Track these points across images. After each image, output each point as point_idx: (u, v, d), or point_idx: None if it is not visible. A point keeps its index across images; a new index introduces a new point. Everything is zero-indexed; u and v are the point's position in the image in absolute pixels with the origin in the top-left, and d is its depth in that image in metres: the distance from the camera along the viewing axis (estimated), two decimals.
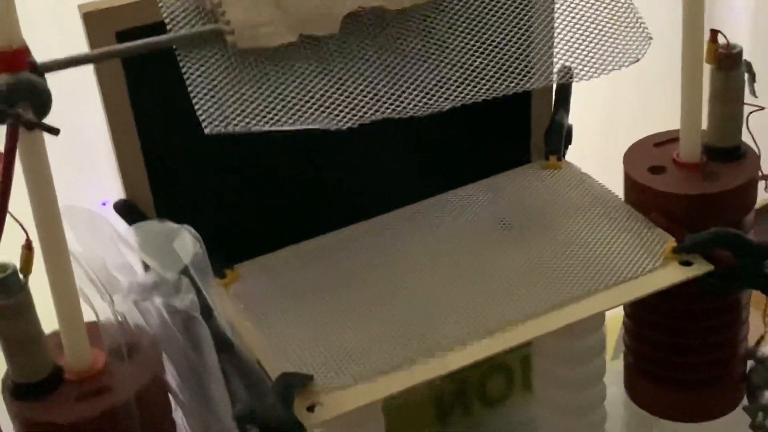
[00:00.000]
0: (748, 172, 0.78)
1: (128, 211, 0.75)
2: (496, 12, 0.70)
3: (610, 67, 0.69)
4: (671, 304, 0.81)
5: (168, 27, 0.62)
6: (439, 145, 0.86)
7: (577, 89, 0.88)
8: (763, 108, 0.78)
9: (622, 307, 0.85)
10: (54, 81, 0.59)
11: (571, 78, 0.70)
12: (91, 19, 0.69)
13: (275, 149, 0.78)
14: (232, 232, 0.78)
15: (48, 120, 0.57)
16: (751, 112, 0.78)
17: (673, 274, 0.73)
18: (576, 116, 0.90)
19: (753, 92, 0.79)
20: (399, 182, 0.84)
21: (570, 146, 0.89)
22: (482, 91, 0.67)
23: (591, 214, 0.80)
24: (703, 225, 0.75)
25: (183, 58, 0.62)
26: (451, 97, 0.65)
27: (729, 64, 0.77)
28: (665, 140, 0.82)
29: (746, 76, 0.78)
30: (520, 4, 0.71)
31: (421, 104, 0.64)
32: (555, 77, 0.70)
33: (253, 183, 0.79)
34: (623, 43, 0.69)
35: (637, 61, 0.68)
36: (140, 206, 0.76)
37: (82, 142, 1.04)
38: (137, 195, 0.76)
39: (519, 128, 0.90)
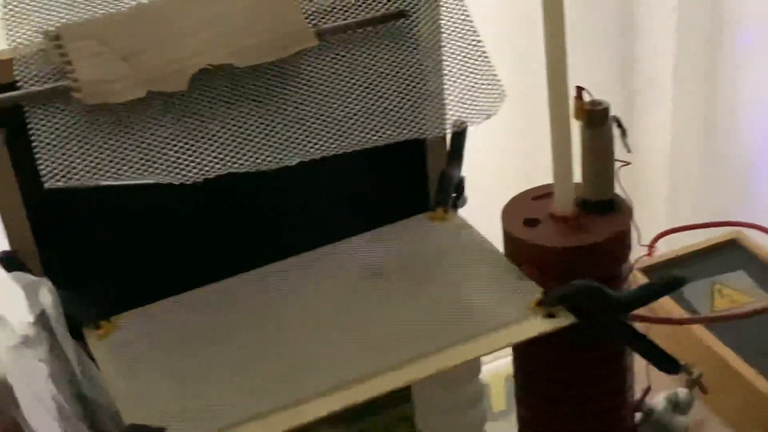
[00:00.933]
0: (620, 225, 0.80)
1: (9, 262, 0.77)
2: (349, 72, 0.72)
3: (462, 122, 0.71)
4: (551, 356, 0.82)
5: (18, 84, 0.64)
6: (335, 195, 0.88)
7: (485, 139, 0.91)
8: (629, 163, 0.79)
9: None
10: None
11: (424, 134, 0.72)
12: None
13: (160, 199, 0.79)
14: (113, 282, 0.79)
15: None
16: (620, 167, 0.80)
17: (536, 326, 0.74)
18: (484, 167, 0.93)
19: (626, 146, 0.80)
20: (288, 233, 0.86)
21: (463, 197, 0.91)
22: (334, 145, 0.68)
23: (467, 265, 0.81)
24: (575, 277, 0.76)
25: (30, 113, 0.64)
26: (302, 152, 0.67)
27: (595, 121, 0.78)
28: (543, 194, 0.84)
29: (617, 131, 0.79)
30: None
31: (269, 159, 0.66)
32: (409, 133, 0.71)
33: (136, 233, 0.80)
34: (477, 99, 0.71)
35: (489, 117, 0.70)
36: (25, 257, 0.78)
37: None
38: (22, 246, 0.78)
39: (416, 180, 0.91)
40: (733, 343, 0.97)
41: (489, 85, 0.72)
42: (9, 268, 0.77)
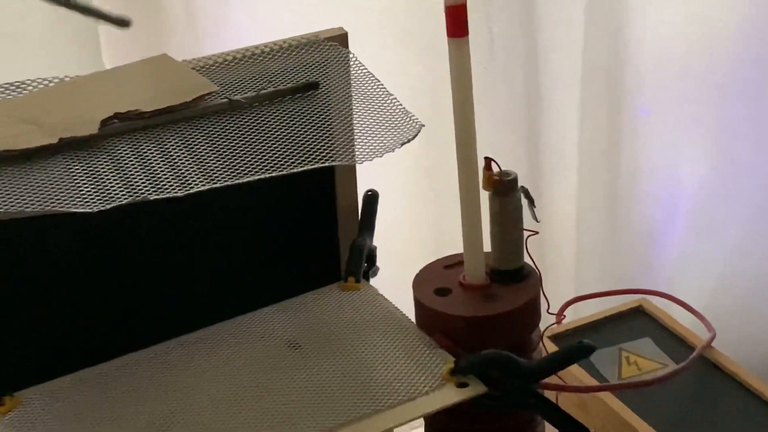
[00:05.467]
0: (529, 293, 0.81)
1: None
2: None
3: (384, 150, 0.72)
4: (462, 426, 0.82)
5: None
6: (244, 267, 0.87)
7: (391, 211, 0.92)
8: (537, 233, 0.81)
9: None
10: None
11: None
12: None
13: (62, 272, 0.79)
14: (14, 357, 0.77)
15: None
16: (528, 237, 0.81)
17: (447, 396, 0.74)
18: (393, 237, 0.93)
19: (534, 217, 0.82)
20: (198, 304, 0.85)
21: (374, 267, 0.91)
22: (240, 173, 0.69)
23: (378, 335, 0.81)
24: (485, 345, 0.76)
25: None
26: (210, 181, 0.67)
27: (504, 190, 0.80)
28: (455, 263, 0.84)
29: (525, 201, 0.81)
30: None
31: (177, 187, 0.66)
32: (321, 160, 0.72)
33: (33, 306, 0.78)
34: (397, 129, 0.73)
35: (409, 141, 0.72)
36: None
37: None
38: None
39: (327, 249, 0.91)
40: (640, 410, 0.98)
41: (401, 118, 0.73)
42: None
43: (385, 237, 0.92)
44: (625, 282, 1.32)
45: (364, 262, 0.89)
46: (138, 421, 0.73)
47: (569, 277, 1.37)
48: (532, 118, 1.31)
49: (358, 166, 0.89)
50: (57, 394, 0.76)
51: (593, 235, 1.37)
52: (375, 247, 0.91)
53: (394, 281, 0.90)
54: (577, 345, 0.74)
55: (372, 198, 0.91)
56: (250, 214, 0.86)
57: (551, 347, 1.04)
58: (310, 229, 0.90)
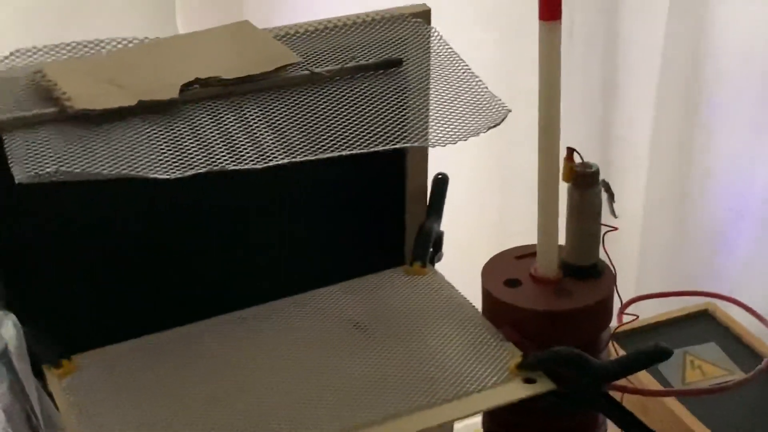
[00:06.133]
0: (603, 291, 0.78)
1: None
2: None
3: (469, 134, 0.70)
4: (524, 420, 0.80)
5: None
6: (310, 243, 0.86)
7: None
8: (616, 228, 0.78)
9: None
10: None
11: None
12: None
13: (126, 240, 0.78)
14: (75, 320, 0.76)
15: None
16: (606, 233, 0.78)
17: (514, 391, 0.72)
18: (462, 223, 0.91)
19: (612, 212, 0.79)
20: (262, 278, 0.83)
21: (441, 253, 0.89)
22: (325, 149, 0.67)
23: (445, 323, 0.79)
24: (554, 341, 0.74)
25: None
26: (290, 154, 0.66)
27: (585, 183, 0.77)
28: (526, 254, 0.82)
29: (604, 195, 0.78)
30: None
31: (256, 158, 0.64)
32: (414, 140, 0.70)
33: (101, 270, 0.78)
34: (482, 113, 0.70)
35: (496, 126, 0.69)
36: None
37: None
38: None
39: (394, 232, 0.90)
40: (703, 416, 0.95)
41: (486, 101, 0.71)
42: None
43: (448, 223, 0.90)
44: (689, 284, 1.29)
45: (431, 247, 0.87)
46: (191, 394, 0.72)
47: (632, 276, 1.33)
48: (606, 111, 1.28)
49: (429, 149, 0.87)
50: (114, 361, 0.75)
51: (660, 234, 1.34)
52: (442, 233, 0.88)
53: (457, 270, 0.88)
54: (654, 348, 0.71)
55: (442, 181, 0.89)
56: (320, 190, 0.84)
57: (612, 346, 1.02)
58: (377, 210, 0.88)
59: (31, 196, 0.71)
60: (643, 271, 1.34)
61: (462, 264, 0.89)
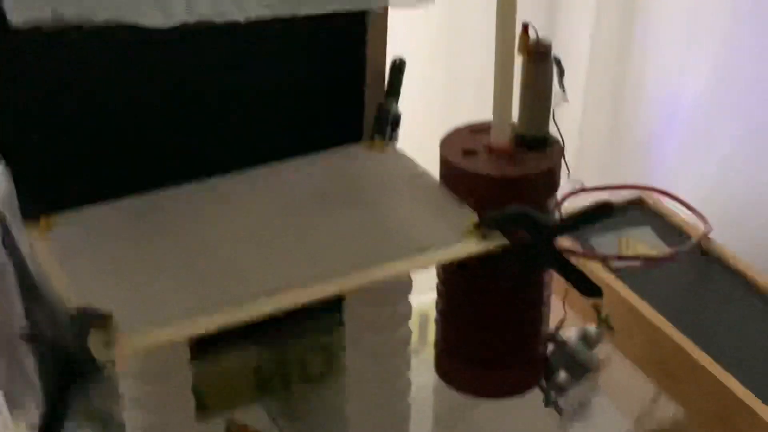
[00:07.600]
0: (552, 160, 0.84)
1: None
2: None
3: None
4: (476, 282, 0.85)
5: None
6: (276, 113, 0.90)
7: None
8: (567, 101, 0.83)
9: None
10: None
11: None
12: None
13: (105, 102, 0.80)
14: (51, 179, 0.79)
15: None
16: (556, 105, 0.84)
17: (471, 247, 0.77)
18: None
19: (561, 86, 0.84)
20: (231, 146, 0.87)
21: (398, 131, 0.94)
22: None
23: (405, 191, 0.84)
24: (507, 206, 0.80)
25: None
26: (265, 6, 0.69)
27: (539, 57, 0.82)
28: (481, 129, 0.87)
29: (555, 70, 0.83)
30: None
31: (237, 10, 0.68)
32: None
33: (77, 130, 0.80)
34: None
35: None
36: None
37: None
38: None
39: (354, 110, 0.94)
40: (639, 290, 1.02)
41: None
42: None
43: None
44: (622, 179, 1.35)
45: (389, 126, 0.92)
46: (165, 249, 0.76)
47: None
48: (547, 19, 1.33)
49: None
50: (93, 219, 0.79)
51: (596, 133, 1.40)
52: (400, 114, 0.93)
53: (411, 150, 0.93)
54: (598, 203, 0.76)
55: (399, 65, 0.93)
56: (285, 61, 0.87)
57: None
58: (338, 87, 0.92)
59: (15, 54, 0.74)
60: (578, 169, 1.40)
61: (415, 144, 0.94)
